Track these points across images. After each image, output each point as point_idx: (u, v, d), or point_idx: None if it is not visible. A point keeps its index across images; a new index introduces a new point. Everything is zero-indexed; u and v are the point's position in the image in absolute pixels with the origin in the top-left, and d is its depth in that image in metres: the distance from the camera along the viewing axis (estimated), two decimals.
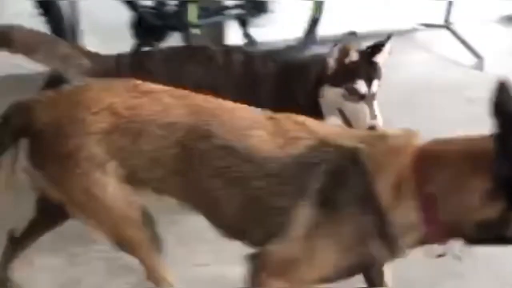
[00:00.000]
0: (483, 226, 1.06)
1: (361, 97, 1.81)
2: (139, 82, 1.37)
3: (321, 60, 1.87)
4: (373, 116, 1.80)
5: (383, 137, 1.24)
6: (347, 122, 1.86)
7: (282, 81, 1.86)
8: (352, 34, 1.82)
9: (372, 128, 1.77)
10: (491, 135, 1.04)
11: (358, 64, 1.80)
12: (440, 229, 1.10)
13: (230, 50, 2.01)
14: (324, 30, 3.36)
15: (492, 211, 1.03)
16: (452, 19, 4.06)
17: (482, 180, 1.03)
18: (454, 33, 4.02)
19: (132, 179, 1.30)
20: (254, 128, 1.26)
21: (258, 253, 1.25)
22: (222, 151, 1.24)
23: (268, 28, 3.29)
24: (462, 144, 1.13)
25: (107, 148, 1.27)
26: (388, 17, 3.85)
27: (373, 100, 1.82)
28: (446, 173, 1.09)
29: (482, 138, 1.08)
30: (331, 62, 1.81)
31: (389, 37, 1.86)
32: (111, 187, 1.29)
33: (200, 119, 1.27)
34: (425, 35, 4.22)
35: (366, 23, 3.85)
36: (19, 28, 1.87)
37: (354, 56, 1.80)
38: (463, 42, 3.94)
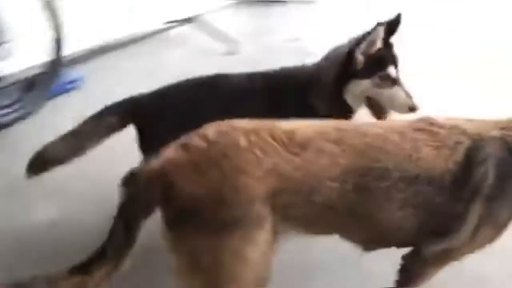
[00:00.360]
0: None
1: (394, 82, 1.79)
2: (274, 130, 1.24)
3: (322, 67, 1.85)
4: (409, 96, 1.79)
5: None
6: (377, 110, 1.84)
7: (300, 98, 1.80)
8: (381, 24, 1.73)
9: (413, 109, 1.77)
10: None
11: (383, 51, 1.77)
12: None
13: (250, 75, 1.89)
14: (71, 48, 3.11)
15: None
16: (199, 10, 4.16)
17: None
18: (203, 23, 4.15)
19: (286, 226, 1.26)
20: (417, 148, 1.24)
21: (418, 251, 1.37)
22: (402, 182, 1.22)
23: (10, 59, 2.89)
24: None
25: (271, 208, 1.19)
26: (135, 21, 3.76)
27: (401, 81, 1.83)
28: None
29: None
30: (360, 57, 1.75)
31: (379, 23, 1.74)
32: (263, 247, 1.21)
33: (369, 158, 1.22)
34: (178, 31, 4.26)
35: (115, 32, 3.71)
36: None
37: (378, 44, 1.76)
38: (214, 30, 4.10)
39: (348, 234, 1.38)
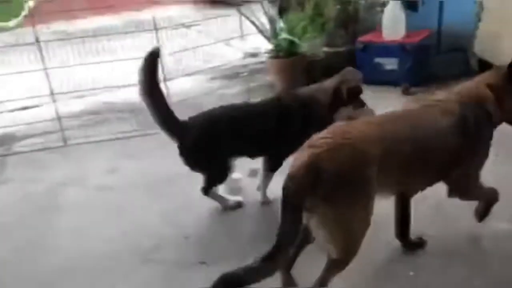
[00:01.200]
0: None
1: (363, 104, 2.67)
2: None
3: (315, 98, 2.64)
4: (373, 111, 2.64)
5: (466, 89, 2.12)
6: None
7: (307, 119, 2.57)
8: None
9: (370, 112, 2.64)
10: None
11: (353, 88, 2.63)
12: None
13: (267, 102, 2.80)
14: None
15: None
16: None
17: None
18: None
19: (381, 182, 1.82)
20: (433, 115, 2.01)
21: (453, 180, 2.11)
22: (435, 136, 1.97)
23: None
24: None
25: (378, 170, 1.78)
26: None
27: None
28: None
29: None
30: (344, 92, 2.60)
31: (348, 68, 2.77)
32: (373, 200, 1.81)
33: (413, 126, 1.96)
34: None
35: None
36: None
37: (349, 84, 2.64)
38: None
39: (413, 179, 2.01)
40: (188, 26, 6.34)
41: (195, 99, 4.43)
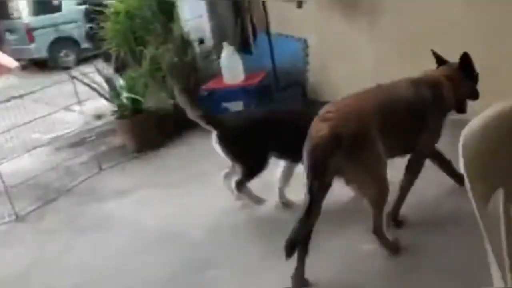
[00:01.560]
0: None
1: None
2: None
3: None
4: None
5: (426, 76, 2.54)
6: None
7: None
8: None
9: None
10: None
11: None
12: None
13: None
14: None
15: None
16: None
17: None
18: None
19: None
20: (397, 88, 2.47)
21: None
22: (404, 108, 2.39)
23: None
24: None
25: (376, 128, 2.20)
26: None
27: None
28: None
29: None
30: None
31: None
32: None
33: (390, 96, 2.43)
34: None
35: None
36: None
37: None
38: None
39: (391, 145, 2.26)
40: (21, 97, 5.83)
41: (36, 178, 4.04)
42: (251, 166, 2.89)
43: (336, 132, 2.10)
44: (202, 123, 2.92)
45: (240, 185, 2.92)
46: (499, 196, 1.02)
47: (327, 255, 2.40)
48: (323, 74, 4.50)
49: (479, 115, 1.02)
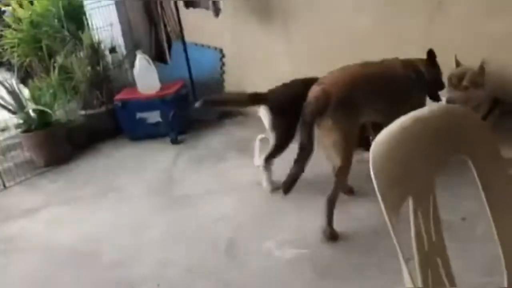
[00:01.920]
0: None
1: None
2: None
3: None
4: None
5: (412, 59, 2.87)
6: None
7: None
8: None
9: None
10: None
11: None
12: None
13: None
14: None
15: None
16: None
17: None
18: None
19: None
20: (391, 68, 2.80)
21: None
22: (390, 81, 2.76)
23: None
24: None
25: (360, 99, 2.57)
26: None
27: None
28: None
29: None
30: None
31: None
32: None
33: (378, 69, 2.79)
34: None
35: None
36: None
37: None
38: None
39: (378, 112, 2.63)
40: None
41: None
42: (286, 137, 3.05)
43: (327, 91, 2.51)
44: (250, 105, 3.22)
45: (269, 159, 3.09)
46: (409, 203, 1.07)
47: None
48: (240, 83, 4.53)
49: (385, 129, 1.06)
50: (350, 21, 3.67)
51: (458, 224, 2.39)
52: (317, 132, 2.53)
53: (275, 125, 3.07)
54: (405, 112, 2.56)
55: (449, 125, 1.15)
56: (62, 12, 4.65)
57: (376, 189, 0.96)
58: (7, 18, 5.14)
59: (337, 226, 2.52)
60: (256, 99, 3.15)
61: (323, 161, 2.63)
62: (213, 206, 3.08)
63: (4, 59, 5.29)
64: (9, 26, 4.94)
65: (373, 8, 3.55)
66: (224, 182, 3.38)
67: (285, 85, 3.18)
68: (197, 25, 4.55)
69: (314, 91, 2.57)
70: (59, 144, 4.24)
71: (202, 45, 4.68)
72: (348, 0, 3.66)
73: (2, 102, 4.18)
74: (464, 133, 1.16)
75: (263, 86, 4.23)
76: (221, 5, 4.06)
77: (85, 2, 4.77)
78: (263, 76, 4.33)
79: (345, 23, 3.70)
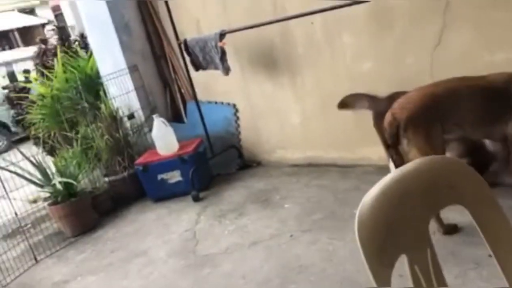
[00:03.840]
0: None
1: None
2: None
3: None
4: None
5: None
6: None
7: None
8: None
9: None
10: None
11: None
12: None
13: None
14: None
15: None
16: None
17: None
18: None
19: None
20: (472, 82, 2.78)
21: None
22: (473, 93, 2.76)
23: None
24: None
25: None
26: None
27: None
28: None
29: None
30: None
31: None
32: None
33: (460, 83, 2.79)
34: None
35: None
36: None
37: None
38: None
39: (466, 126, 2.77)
40: None
41: None
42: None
43: (394, 115, 2.69)
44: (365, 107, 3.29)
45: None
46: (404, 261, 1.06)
47: None
48: (255, 134, 4.60)
49: (369, 191, 1.07)
50: (353, 66, 3.74)
51: (486, 260, 2.32)
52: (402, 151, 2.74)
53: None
54: (503, 127, 2.62)
55: (435, 178, 1.15)
56: (79, 84, 4.87)
57: (362, 255, 0.96)
58: (31, 96, 5.41)
59: None
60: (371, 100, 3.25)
61: None
62: (237, 263, 3.07)
63: (31, 134, 5.53)
64: (34, 103, 5.19)
65: (373, 53, 3.61)
66: (247, 236, 3.38)
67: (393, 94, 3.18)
68: (209, 84, 4.69)
69: (386, 118, 2.74)
70: (85, 213, 4.34)
71: (216, 102, 4.81)
72: (349, 48, 3.74)
73: (30, 177, 4.34)
74: (453, 183, 1.16)
75: (276, 134, 4.31)
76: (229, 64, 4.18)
77: (101, 73, 4.99)
78: (276, 125, 4.42)
79: (348, 69, 3.76)
